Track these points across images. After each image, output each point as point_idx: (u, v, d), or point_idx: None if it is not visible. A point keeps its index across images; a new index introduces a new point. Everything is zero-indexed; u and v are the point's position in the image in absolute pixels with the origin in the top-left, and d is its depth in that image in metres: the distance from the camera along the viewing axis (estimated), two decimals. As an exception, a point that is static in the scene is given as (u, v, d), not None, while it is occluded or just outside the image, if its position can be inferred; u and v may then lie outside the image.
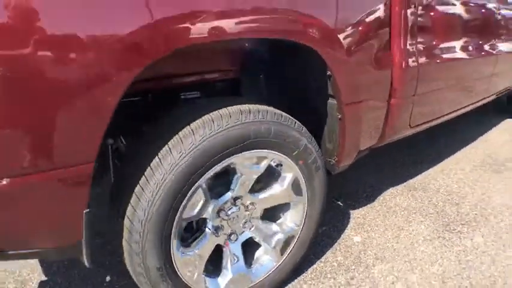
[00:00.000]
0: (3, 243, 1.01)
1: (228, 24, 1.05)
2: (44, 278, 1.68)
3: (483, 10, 2.43)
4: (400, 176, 2.60)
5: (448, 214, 2.14)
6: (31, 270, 1.71)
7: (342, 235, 1.95)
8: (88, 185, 0.98)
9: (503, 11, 2.63)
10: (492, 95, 2.90)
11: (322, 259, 1.76)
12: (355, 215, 2.13)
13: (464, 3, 2.18)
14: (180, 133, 1.10)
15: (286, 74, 1.66)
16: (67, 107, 0.88)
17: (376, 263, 1.73)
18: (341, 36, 1.36)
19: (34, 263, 1.76)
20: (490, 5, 2.49)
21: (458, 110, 2.47)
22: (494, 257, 1.78)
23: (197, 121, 1.12)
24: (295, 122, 1.34)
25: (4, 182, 0.87)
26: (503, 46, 2.67)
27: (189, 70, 1.44)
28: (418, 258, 1.76)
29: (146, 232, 1.10)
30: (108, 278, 1.67)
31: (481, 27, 2.42)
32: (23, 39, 0.80)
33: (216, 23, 1.02)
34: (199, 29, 1.00)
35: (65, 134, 0.90)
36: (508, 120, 3.92)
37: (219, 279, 1.37)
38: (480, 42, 2.39)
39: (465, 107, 2.56)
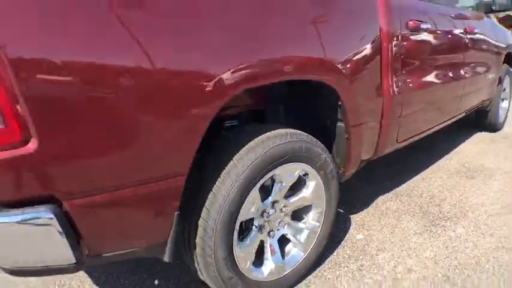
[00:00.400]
0: (103, 247, 1.29)
1: (284, 69, 1.48)
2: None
3: (454, 43, 2.93)
4: (388, 186, 3.03)
5: (432, 213, 2.58)
6: (81, 282, 1.95)
7: (347, 234, 2.35)
8: (180, 191, 1.35)
9: (470, 43, 3.14)
10: (462, 112, 3.40)
11: (335, 253, 2.15)
12: (355, 218, 2.54)
13: (438, 39, 2.67)
14: (241, 151, 1.49)
15: (301, 104, 2.08)
16: (177, 135, 1.25)
17: (379, 253, 2.14)
18: (350, 76, 1.79)
19: (82, 274, 2.02)
20: (460, 38, 2.99)
21: (435, 126, 2.94)
22: (476, 242, 2.21)
23: (252, 141, 1.51)
24: (317, 141, 1.76)
25: (123, 191, 1.22)
26: (469, 72, 3.18)
27: (235, 104, 1.83)
28: (413, 247, 2.18)
29: (218, 229, 1.46)
30: (156, 282, 1.96)
31: (453, 58, 2.92)
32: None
33: (277, 68, 1.45)
34: (266, 74, 1.41)
35: (170, 152, 1.27)
36: (478, 133, 4.45)
37: (263, 268, 1.74)
38: (452, 69, 2.89)
39: (441, 123, 3.03)
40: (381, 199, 2.82)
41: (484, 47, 3.53)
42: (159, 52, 1.16)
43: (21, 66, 0.97)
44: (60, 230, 1.12)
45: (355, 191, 2.90)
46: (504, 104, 4.59)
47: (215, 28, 1.30)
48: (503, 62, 4.19)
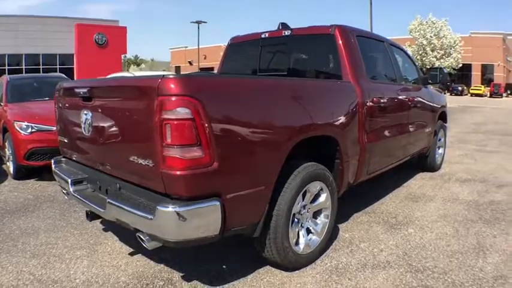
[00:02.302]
0: (233, 224, 2.36)
1: (314, 129, 2.77)
2: (181, 274, 2.91)
3: (401, 108, 4.36)
4: (359, 208, 4.28)
5: (391, 222, 3.86)
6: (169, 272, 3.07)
7: (338, 235, 3.55)
8: (271, 192, 2.54)
9: (412, 107, 4.60)
10: (408, 156, 4.82)
11: (333, 244, 3.34)
12: (340, 227, 3.75)
13: (391, 106, 4.08)
14: (295, 171, 2.70)
15: (318, 150, 3.32)
16: (275, 160, 2.49)
17: (361, 243, 3.36)
18: (343, 131, 3.11)
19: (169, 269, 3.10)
20: (405, 104, 4.43)
21: (390, 165, 4.31)
22: (422, 236, 3.50)
23: (301, 167, 2.73)
24: (327, 169, 3.02)
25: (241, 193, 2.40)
26: (412, 127, 4.62)
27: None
28: (382, 239, 3.43)
29: (283, 216, 2.63)
30: (224, 267, 2.98)
31: (400, 118, 4.34)
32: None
33: (312, 128, 2.76)
34: (308, 131, 2.72)
35: (270, 170, 2.48)
36: (420, 173, 5.90)
37: (299, 245, 2.89)
38: (400, 126, 4.30)
39: (394, 163, 4.41)
40: (355, 215, 4.08)
41: (422, 108, 5.05)
42: (275, 122, 2.49)
43: (216, 123, 2.15)
44: (220, 212, 2.25)
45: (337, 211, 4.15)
46: (440, 151, 6.12)
47: (289, 111, 2.63)
48: (438, 119, 5.76)
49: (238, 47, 4.54)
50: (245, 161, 2.35)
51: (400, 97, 4.32)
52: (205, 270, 2.88)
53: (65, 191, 3.15)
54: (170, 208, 2.09)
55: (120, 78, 3.18)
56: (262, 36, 4.13)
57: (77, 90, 2.88)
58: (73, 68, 30.93)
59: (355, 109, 3.33)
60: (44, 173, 5.50)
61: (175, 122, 2.05)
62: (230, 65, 4.57)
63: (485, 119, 16.46)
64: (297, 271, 2.85)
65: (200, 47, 48.17)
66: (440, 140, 6.07)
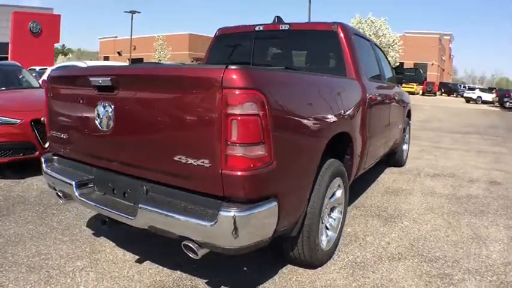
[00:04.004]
0: (281, 225, 2.21)
1: (339, 125, 2.77)
2: (205, 280, 2.80)
3: (381, 105, 4.50)
4: (350, 202, 4.39)
5: (384, 215, 3.98)
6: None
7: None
8: (312, 187, 2.50)
9: (393, 104, 4.78)
10: (388, 150, 5.01)
11: (341, 239, 3.37)
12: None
13: (382, 104, 4.20)
14: (323, 168, 2.67)
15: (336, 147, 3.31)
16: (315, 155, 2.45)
17: (365, 236, 3.43)
18: (355, 127, 3.15)
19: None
20: (381, 102, 4.59)
21: (377, 159, 4.45)
22: (419, 228, 3.65)
23: (327, 163, 2.72)
24: (343, 165, 3.04)
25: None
26: (392, 123, 4.80)
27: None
28: (384, 232, 3.52)
29: (317, 216, 2.60)
30: (245, 268, 2.86)
31: (386, 114, 4.49)
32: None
33: (338, 125, 2.75)
34: (336, 129, 2.71)
35: (314, 163, 2.44)
36: (388, 168, 6.15)
37: (323, 242, 2.86)
38: (386, 121, 4.44)
39: (379, 158, 4.56)
40: (348, 210, 4.14)
41: (398, 106, 5.27)
42: (319, 118, 2.50)
43: (275, 119, 2.04)
44: (277, 214, 2.13)
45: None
46: (405, 147, 6.43)
47: (328, 108, 2.64)
48: (406, 116, 6.04)
49: (227, 38, 4.39)
50: (296, 158, 2.29)
51: (385, 94, 4.48)
52: (228, 275, 2.74)
53: (60, 194, 2.84)
54: (234, 213, 1.92)
55: (164, 66, 2.71)
56: (257, 29, 4.04)
57: (90, 78, 2.48)
58: (7, 57, 28.41)
59: (361, 106, 3.39)
60: (6, 171, 5.00)
61: (243, 118, 1.89)
62: (218, 57, 4.39)
63: (427, 116, 17.40)
64: (320, 268, 2.83)
65: (131, 37, 46.83)
66: (406, 136, 6.39)
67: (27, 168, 5.10)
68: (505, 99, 26.27)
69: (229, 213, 1.92)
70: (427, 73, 55.41)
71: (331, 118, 2.68)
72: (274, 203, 2.09)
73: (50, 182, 2.95)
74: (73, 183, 2.62)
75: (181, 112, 2.07)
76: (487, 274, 2.83)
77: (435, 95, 49.55)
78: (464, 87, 50.98)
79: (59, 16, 32.17)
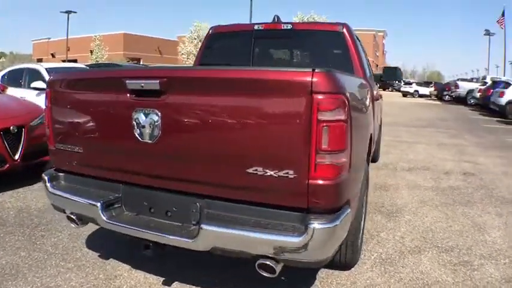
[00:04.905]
0: None
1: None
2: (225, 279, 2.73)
3: (376, 101, 4.65)
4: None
5: (384, 211, 4.10)
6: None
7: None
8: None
9: (376, 100, 4.94)
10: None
11: (354, 238, 3.43)
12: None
13: (376, 100, 4.32)
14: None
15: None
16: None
17: (378, 233, 3.51)
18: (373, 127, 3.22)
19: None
20: (376, 97, 4.74)
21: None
22: (422, 220, 3.79)
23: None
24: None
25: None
26: (377, 119, 4.96)
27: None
28: (393, 228, 3.63)
29: (360, 217, 2.61)
30: (282, 278, 2.60)
31: (377, 113, 4.64)
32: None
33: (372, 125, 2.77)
34: (372, 127, 2.73)
35: (365, 165, 2.43)
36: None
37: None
38: (375, 118, 4.58)
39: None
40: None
41: (379, 102, 5.44)
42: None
43: (352, 124, 1.98)
44: (351, 219, 2.09)
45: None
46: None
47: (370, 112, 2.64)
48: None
49: (222, 37, 4.21)
50: (358, 162, 2.30)
51: (375, 92, 4.61)
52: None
53: (74, 218, 2.47)
54: (324, 224, 1.83)
55: (231, 69, 2.28)
56: (256, 27, 3.95)
57: (126, 81, 2.14)
58: None
59: (371, 104, 3.47)
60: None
61: (333, 124, 1.79)
62: (212, 57, 4.20)
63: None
64: (353, 268, 2.85)
65: (64, 38, 44.82)
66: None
67: (-5, 183, 4.60)
68: (445, 93, 27.67)
69: (321, 226, 1.82)
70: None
71: (371, 119, 2.73)
72: (349, 210, 2.03)
73: (58, 204, 2.61)
74: (98, 204, 2.29)
75: (258, 120, 1.89)
76: (499, 257, 3.04)
77: (370, 90, 52.23)
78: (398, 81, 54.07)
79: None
